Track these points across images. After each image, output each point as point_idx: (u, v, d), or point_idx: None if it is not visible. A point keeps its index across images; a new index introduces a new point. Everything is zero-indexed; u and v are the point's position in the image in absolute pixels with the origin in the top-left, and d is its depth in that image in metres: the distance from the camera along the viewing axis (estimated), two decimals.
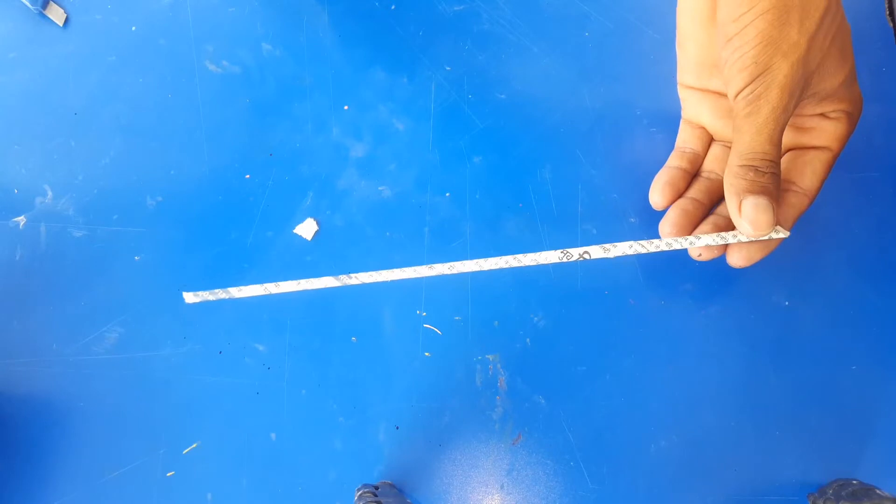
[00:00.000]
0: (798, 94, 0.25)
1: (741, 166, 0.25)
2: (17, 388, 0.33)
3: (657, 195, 0.31)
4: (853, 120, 0.28)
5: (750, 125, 0.25)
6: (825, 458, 0.31)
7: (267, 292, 0.29)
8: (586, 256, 0.28)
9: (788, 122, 0.29)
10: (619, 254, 0.27)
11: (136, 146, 0.35)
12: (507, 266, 0.28)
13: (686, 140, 0.32)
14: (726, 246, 0.29)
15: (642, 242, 0.27)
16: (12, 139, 0.35)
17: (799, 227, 0.33)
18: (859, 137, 0.34)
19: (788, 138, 0.29)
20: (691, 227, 0.30)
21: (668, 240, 0.27)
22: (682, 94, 0.32)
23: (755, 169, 0.25)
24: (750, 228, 0.25)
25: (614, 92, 0.35)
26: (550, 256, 0.28)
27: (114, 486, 0.32)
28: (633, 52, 0.36)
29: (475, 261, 0.29)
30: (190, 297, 0.31)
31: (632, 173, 0.34)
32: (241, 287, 0.30)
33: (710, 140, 0.32)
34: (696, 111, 0.32)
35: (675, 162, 0.32)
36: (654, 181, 0.32)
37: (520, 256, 0.28)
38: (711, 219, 0.30)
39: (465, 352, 0.33)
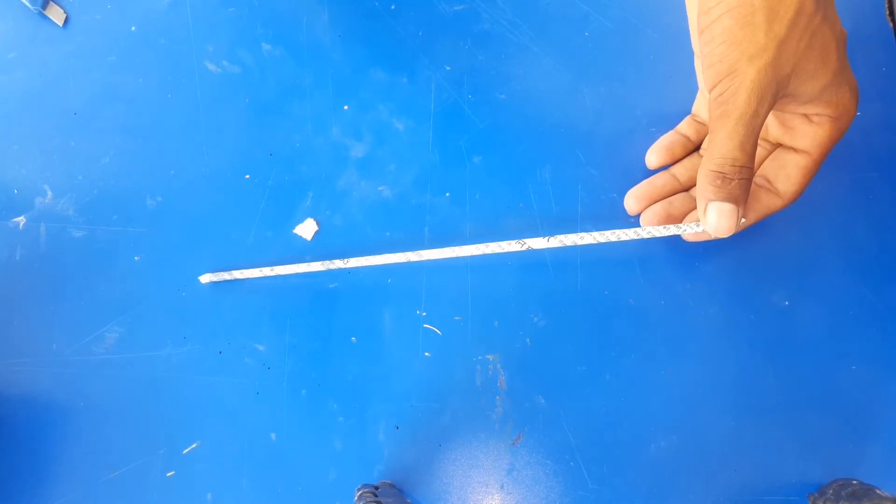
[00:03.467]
0: (771, 98, 0.24)
1: (711, 171, 0.25)
2: (17, 388, 0.33)
3: (653, 155, 0.33)
4: (838, 126, 0.26)
5: (721, 128, 0.24)
6: (825, 458, 0.31)
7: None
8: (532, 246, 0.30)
9: (776, 116, 0.29)
10: (557, 244, 0.29)
11: (136, 146, 0.35)
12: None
13: (699, 109, 0.33)
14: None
15: (592, 234, 0.29)
16: (12, 139, 0.35)
17: (799, 226, 0.33)
18: (859, 137, 0.34)
19: (775, 132, 0.29)
20: (655, 200, 0.32)
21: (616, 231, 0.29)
22: (697, 63, 0.32)
23: (723, 176, 0.25)
24: (710, 231, 0.26)
25: (614, 92, 0.35)
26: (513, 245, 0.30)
27: (114, 486, 0.32)
28: (633, 52, 0.36)
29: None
30: (206, 278, 0.33)
31: (632, 173, 0.34)
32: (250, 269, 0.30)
33: None
34: None
35: (682, 128, 0.33)
36: (655, 142, 0.33)
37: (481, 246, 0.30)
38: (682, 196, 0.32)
39: (465, 352, 0.33)
